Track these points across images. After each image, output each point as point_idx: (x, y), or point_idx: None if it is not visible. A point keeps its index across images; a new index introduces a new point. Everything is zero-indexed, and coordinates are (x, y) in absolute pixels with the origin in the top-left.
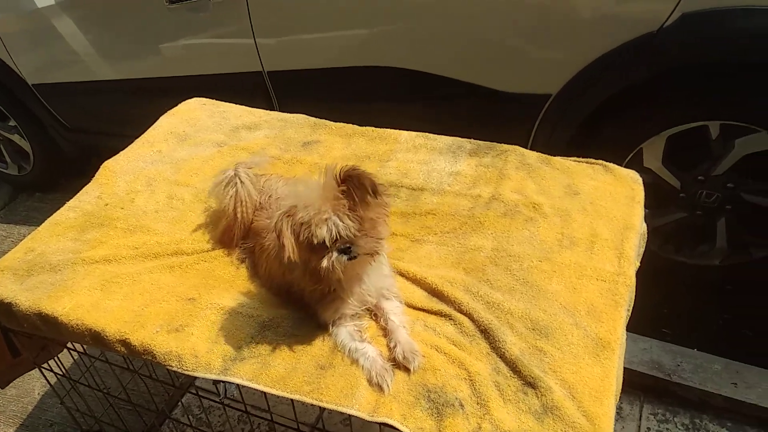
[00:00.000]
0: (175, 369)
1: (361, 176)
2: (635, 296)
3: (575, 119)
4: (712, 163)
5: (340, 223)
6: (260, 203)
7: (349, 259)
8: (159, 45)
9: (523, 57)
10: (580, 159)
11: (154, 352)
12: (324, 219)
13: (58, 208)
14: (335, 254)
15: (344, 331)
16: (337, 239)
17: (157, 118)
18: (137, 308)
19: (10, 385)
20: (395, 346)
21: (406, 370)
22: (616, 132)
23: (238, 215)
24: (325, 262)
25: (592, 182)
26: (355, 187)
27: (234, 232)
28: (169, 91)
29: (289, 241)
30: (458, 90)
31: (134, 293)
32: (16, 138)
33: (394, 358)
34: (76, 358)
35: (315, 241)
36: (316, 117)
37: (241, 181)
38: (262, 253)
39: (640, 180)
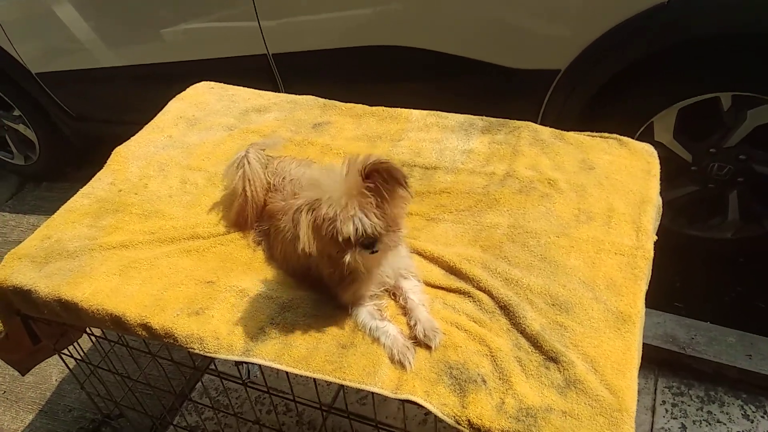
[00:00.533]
0: (197, 351)
1: (391, 169)
2: None
3: (585, 94)
4: (724, 135)
5: (367, 221)
6: (274, 185)
7: (372, 252)
8: (161, 30)
9: (531, 32)
10: (594, 133)
11: (176, 335)
12: (350, 216)
13: (66, 197)
14: (359, 249)
15: (364, 311)
16: (362, 236)
17: (162, 105)
18: (156, 292)
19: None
20: (415, 325)
21: (428, 347)
22: (626, 106)
23: (248, 194)
24: (348, 258)
25: (607, 156)
26: (384, 181)
27: (247, 213)
28: (173, 77)
29: (305, 234)
30: (466, 67)
31: (153, 278)
32: (21, 128)
33: (415, 337)
34: (94, 342)
35: (340, 238)
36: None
37: (248, 162)
38: (278, 235)
39: (655, 153)
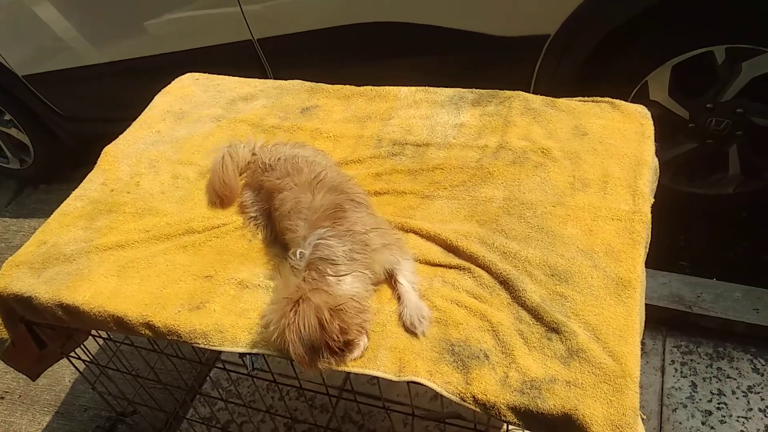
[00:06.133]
0: (201, 346)
1: None
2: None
3: (576, 58)
4: (720, 89)
5: None
6: (270, 165)
7: None
8: (144, 23)
9: None
10: (586, 98)
11: (179, 331)
12: None
13: (65, 199)
14: None
15: None
16: None
17: (152, 99)
18: (156, 290)
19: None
20: (402, 312)
21: (413, 335)
22: (619, 67)
23: (216, 171)
24: None
25: (599, 121)
26: None
27: (217, 190)
28: (159, 70)
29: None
30: (454, 39)
31: (151, 276)
32: (13, 132)
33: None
34: (101, 344)
35: None
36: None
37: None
38: (276, 211)
39: (649, 114)
